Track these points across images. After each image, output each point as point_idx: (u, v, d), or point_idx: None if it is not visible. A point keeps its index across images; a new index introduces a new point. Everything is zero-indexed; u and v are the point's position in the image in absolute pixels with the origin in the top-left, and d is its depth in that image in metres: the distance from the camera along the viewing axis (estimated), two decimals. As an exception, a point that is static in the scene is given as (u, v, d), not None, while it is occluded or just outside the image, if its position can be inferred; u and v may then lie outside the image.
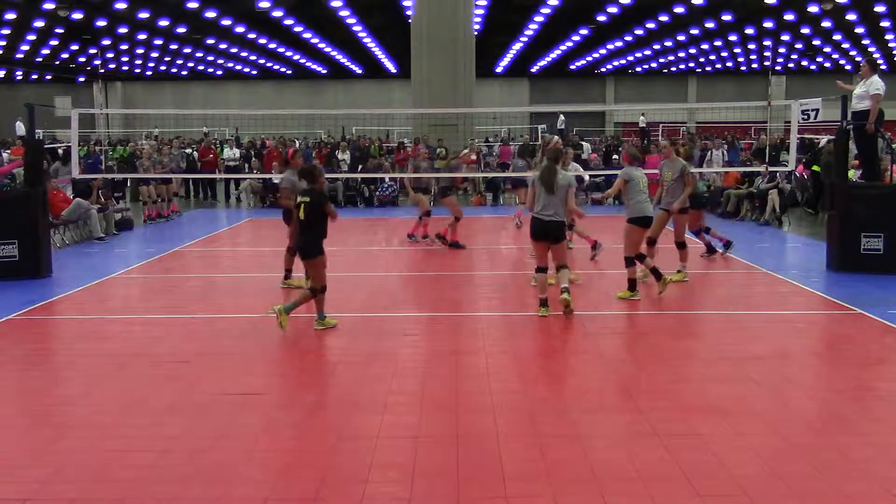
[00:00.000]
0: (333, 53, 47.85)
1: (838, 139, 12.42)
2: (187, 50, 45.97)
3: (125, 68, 51.87)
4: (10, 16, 32.98)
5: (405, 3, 30.99)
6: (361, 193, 22.01)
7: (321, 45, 44.71)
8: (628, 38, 43.49)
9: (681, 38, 43.58)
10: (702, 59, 53.12)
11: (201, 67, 53.28)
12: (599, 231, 13.12)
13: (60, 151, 23.14)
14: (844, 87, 12.54)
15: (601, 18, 37.26)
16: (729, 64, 54.37)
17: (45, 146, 19.03)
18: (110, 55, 45.86)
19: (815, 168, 18.80)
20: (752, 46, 47.26)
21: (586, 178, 15.33)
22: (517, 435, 5.60)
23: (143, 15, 34.05)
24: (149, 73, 54.36)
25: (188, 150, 25.49)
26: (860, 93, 11.89)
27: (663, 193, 10.97)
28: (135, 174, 20.15)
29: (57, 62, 46.53)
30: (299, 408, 6.22)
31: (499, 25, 38.55)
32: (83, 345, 8.24)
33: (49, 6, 31.58)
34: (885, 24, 38.24)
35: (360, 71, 54.37)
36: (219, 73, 55.06)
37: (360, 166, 23.43)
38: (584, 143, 27.90)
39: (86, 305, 10.14)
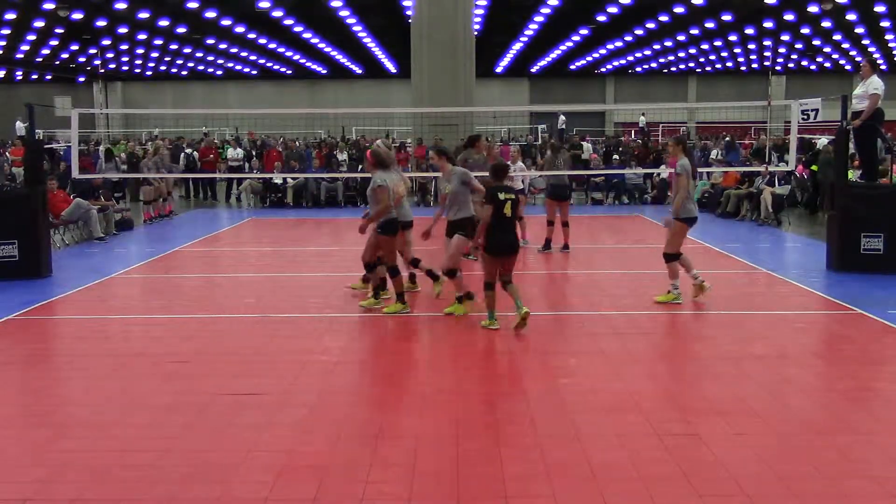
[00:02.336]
0: (333, 53, 47.85)
1: (838, 139, 12.42)
2: (187, 50, 45.96)
3: (125, 68, 51.86)
4: (10, 16, 32.97)
5: (405, 3, 30.99)
6: (362, 193, 21.99)
7: (321, 45, 44.70)
8: (628, 38, 43.48)
9: (681, 38, 43.57)
10: (702, 59, 53.12)
11: (201, 67, 53.27)
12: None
13: (102, 149, 23.28)
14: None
15: (601, 18, 37.26)
16: (729, 64, 54.36)
17: (45, 146, 19.04)
18: (110, 55, 45.86)
19: (814, 168, 18.82)
20: (752, 46, 47.25)
21: (523, 182, 14.59)
22: (517, 435, 5.61)
23: (143, 15, 34.05)
24: (149, 73, 54.35)
25: (188, 150, 25.50)
26: (860, 93, 11.89)
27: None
28: (136, 174, 20.17)
29: (57, 62, 46.51)
30: (299, 408, 6.22)
31: (499, 25, 38.55)
32: (83, 345, 8.24)
33: (49, 6, 31.57)
34: (885, 24, 38.24)
35: (360, 71, 54.36)
36: (219, 73, 55.05)
37: (360, 166, 23.43)
38: (584, 143, 27.91)
39: (86, 305, 10.14)
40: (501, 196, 8.12)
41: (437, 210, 9.78)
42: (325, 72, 54.63)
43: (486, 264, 8.39)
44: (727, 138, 28.26)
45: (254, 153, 27.14)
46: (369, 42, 43.92)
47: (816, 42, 44.40)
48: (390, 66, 52.04)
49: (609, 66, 54.70)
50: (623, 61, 52.60)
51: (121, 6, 31.64)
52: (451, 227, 9.26)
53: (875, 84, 11.65)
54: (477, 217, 9.14)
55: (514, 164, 13.52)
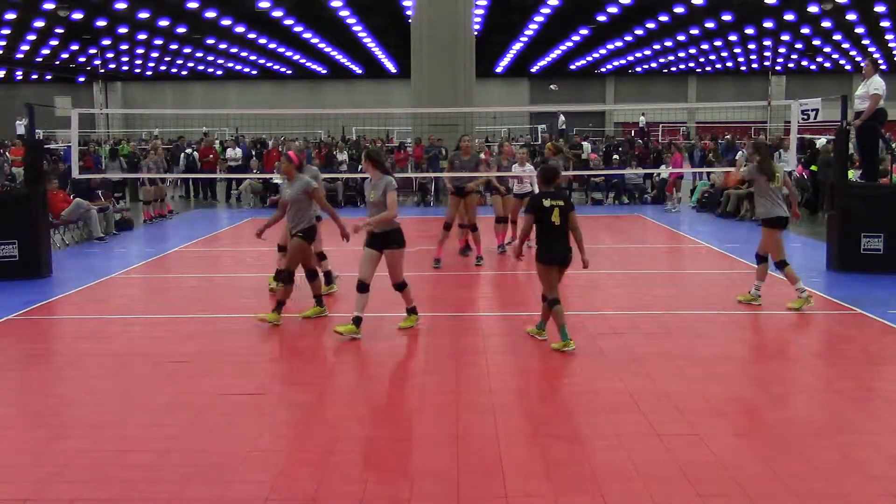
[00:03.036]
0: (333, 53, 47.86)
1: (838, 139, 12.42)
2: (187, 50, 45.98)
3: (125, 68, 51.88)
4: (10, 16, 33.00)
5: (405, 3, 31.00)
6: (362, 193, 22.00)
7: (321, 45, 44.73)
8: (628, 38, 43.51)
9: (681, 38, 43.60)
10: (702, 59, 53.14)
11: (201, 67, 53.29)
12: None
13: (105, 150, 23.34)
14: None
15: (601, 18, 37.29)
16: (729, 64, 54.39)
17: (45, 146, 19.06)
18: (110, 55, 45.88)
19: (813, 168, 18.81)
20: (752, 46, 47.29)
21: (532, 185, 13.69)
22: (517, 435, 5.60)
23: (143, 15, 34.07)
24: (149, 73, 54.37)
25: (189, 150, 25.50)
26: (862, 93, 11.89)
27: None
28: (136, 174, 20.17)
29: (57, 62, 46.53)
30: (299, 408, 6.22)
31: (499, 25, 38.57)
32: (83, 345, 8.24)
33: (49, 6, 31.59)
34: (885, 24, 38.26)
35: (360, 71, 54.37)
36: (219, 73, 55.07)
37: (360, 167, 23.44)
38: (584, 143, 27.90)
39: (86, 305, 10.14)
40: (547, 203, 7.52)
41: (275, 214, 9.11)
42: (325, 72, 54.65)
43: (542, 276, 7.69)
44: (727, 137, 28.24)
45: (253, 153, 27.11)
46: (369, 42, 43.93)
47: (816, 42, 44.42)
48: (390, 66, 52.05)
49: (609, 66, 54.72)
50: (623, 61, 52.63)
51: (121, 6, 31.66)
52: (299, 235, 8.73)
53: (876, 84, 11.65)
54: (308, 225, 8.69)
55: (521, 167, 13.42)
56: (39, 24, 35.18)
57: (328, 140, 31.85)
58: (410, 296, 8.53)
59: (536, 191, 14.84)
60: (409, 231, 14.93)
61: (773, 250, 9.28)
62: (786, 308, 9.18)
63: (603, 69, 55.44)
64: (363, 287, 8.13)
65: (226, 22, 36.12)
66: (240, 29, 37.94)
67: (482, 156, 14.80)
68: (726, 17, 36.73)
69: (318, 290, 9.01)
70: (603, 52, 48.40)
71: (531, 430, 5.70)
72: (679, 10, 34.62)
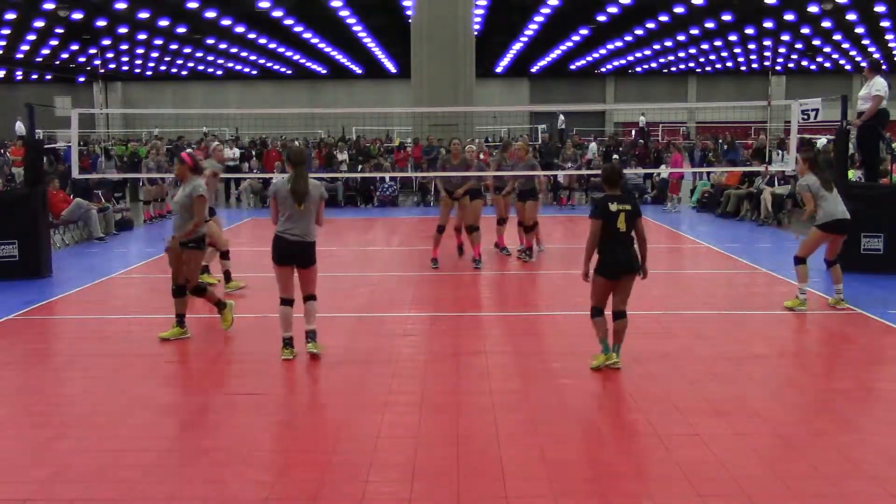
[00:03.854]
0: (333, 53, 47.87)
1: (838, 139, 12.42)
2: (187, 50, 45.99)
3: (125, 68, 51.89)
4: (10, 16, 33.00)
5: (405, 3, 31.00)
6: (362, 193, 22.00)
7: (321, 45, 44.73)
8: (628, 38, 43.51)
9: (681, 38, 43.60)
10: (702, 59, 53.15)
11: (201, 67, 53.30)
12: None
13: (101, 149, 23.35)
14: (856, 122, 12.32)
15: (601, 18, 37.29)
16: (729, 64, 54.40)
17: (45, 146, 19.08)
18: (110, 55, 45.89)
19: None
20: (752, 46, 47.29)
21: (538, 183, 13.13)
22: (517, 435, 5.60)
23: (143, 15, 34.07)
24: (149, 73, 54.38)
25: (188, 150, 25.47)
26: (864, 94, 11.90)
27: None
28: (136, 174, 20.17)
29: (57, 62, 46.54)
30: (299, 408, 6.22)
31: (499, 25, 38.57)
32: (83, 345, 8.24)
33: (49, 6, 31.59)
34: (885, 24, 38.26)
35: (360, 71, 54.39)
36: (219, 73, 55.07)
37: (360, 166, 23.46)
38: (592, 144, 27.99)
39: (86, 305, 10.14)
40: (613, 207, 6.92)
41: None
42: (325, 72, 54.66)
43: (595, 287, 7.07)
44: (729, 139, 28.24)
45: (253, 153, 27.12)
46: (369, 42, 43.94)
47: (816, 42, 44.43)
48: (390, 66, 52.06)
49: (609, 66, 54.73)
50: (623, 61, 52.64)
51: (121, 6, 31.66)
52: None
53: (878, 85, 11.66)
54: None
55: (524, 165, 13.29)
56: (39, 24, 35.18)
57: (328, 140, 31.85)
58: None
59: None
60: (409, 231, 14.96)
61: (805, 245, 9.29)
62: (783, 307, 9.22)
63: (603, 69, 55.45)
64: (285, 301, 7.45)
65: (226, 22, 36.12)
66: (240, 29, 37.94)
67: (482, 156, 14.49)
68: (726, 17, 36.74)
69: (182, 309, 8.21)
70: (603, 52, 48.40)
71: (531, 430, 5.69)
72: (679, 10, 34.63)
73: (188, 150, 9.37)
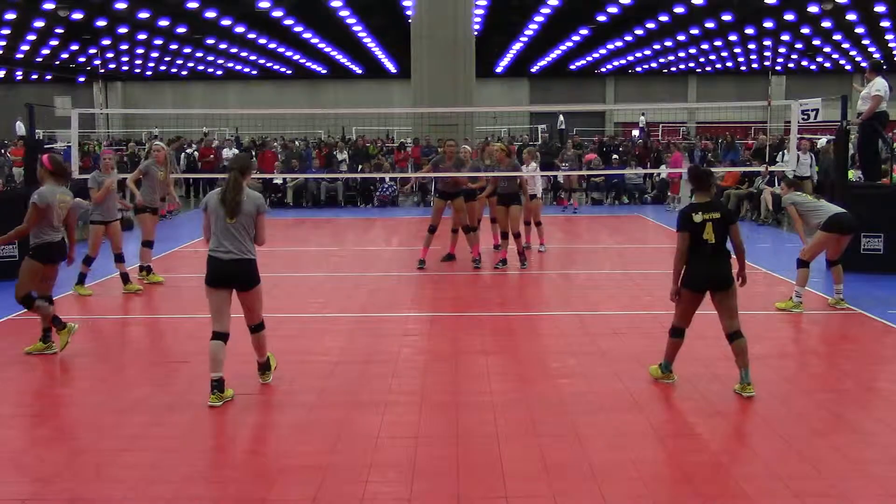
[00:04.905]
0: (333, 53, 47.86)
1: (838, 139, 12.43)
2: (187, 50, 45.98)
3: (125, 68, 51.87)
4: (10, 16, 32.98)
5: (405, 3, 31.00)
6: (362, 193, 21.99)
7: (321, 45, 44.72)
8: (628, 38, 43.50)
9: (681, 38, 43.58)
10: (702, 59, 53.13)
11: (201, 67, 53.28)
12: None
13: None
14: (858, 87, 12.54)
15: (601, 18, 37.28)
16: (729, 64, 54.38)
17: (45, 146, 19.06)
18: (110, 55, 45.87)
19: (815, 168, 18.80)
20: (752, 46, 47.27)
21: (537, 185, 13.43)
22: (517, 435, 5.60)
23: (143, 15, 34.05)
24: (149, 73, 54.36)
25: (189, 150, 25.49)
26: (865, 94, 11.93)
27: None
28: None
29: (57, 62, 46.53)
30: (299, 408, 6.21)
31: (499, 25, 38.56)
32: (83, 345, 8.23)
33: (49, 6, 31.58)
34: (885, 24, 38.26)
35: (360, 71, 54.37)
36: (219, 73, 55.05)
37: (360, 166, 23.46)
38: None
39: (86, 305, 10.13)
40: (698, 217, 6.25)
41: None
42: (325, 72, 54.64)
43: (679, 302, 6.55)
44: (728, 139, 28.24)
45: (253, 153, 27.13)
46: (369, 42, 43.93)
47: (816, 42, 44.41)
48: (390, 66, 52.05)
49: (609, 66, 54.71)
50: (623, 61, 52.61)
51: (121, 6, 31.64)
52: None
53: (878, 85, 11.68)
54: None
55: (527, 166, 13.27)
56: (39, 24, 35.17)
57: (328, 140, 31.84)
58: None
59: (540, 192, 14.59)
60: (409, 231, 14.93)
61: (809, 247, 9.30)
62: (774, 307, 9.26)
63: (603, 69, 55.43)
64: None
65: (226, 22, 36.10)
66: (240, 29, 37.93)
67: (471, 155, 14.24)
68: (726, 17, 36.72)
69: (48, 322, 7.78)
70: (603, 52, 48.38)
71: (531, 430, 5.69)
72: (679, 10, 34.61)
73: (54, 154, 9.18)
